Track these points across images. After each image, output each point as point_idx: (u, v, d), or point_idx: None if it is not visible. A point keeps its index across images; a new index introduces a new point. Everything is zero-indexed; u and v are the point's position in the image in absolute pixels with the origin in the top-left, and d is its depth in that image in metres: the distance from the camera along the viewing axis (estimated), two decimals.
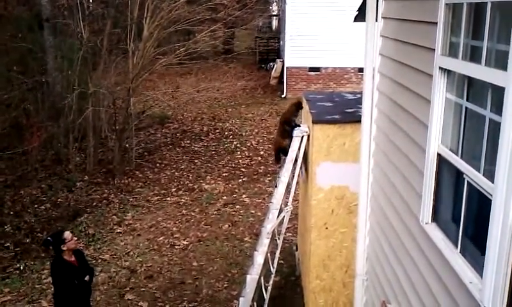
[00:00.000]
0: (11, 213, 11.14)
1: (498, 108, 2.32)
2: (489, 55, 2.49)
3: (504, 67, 2.19)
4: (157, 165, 14.30)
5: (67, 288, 5.87)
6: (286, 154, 6.88)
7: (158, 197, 12.23)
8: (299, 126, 7.07)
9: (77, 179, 12.85)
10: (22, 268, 9.21)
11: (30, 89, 14.61)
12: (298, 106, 7.26)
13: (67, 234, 5.98)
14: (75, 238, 6.17)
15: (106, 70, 14.90)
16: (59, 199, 11.89)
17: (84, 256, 6.47)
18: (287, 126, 7.17)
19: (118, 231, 10.57)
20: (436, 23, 3.05)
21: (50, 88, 15.36)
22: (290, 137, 6.95)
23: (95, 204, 11.81)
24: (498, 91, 2.28)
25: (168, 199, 12.10)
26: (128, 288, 8.52)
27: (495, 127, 2.35)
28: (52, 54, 15.33)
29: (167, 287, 8.50)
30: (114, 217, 11.20)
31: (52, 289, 6.77)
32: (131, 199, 12.11)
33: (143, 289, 8.48)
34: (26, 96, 14.57)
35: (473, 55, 2.71)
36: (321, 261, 6.71)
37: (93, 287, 7.49)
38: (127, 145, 14.71)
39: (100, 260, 9.39)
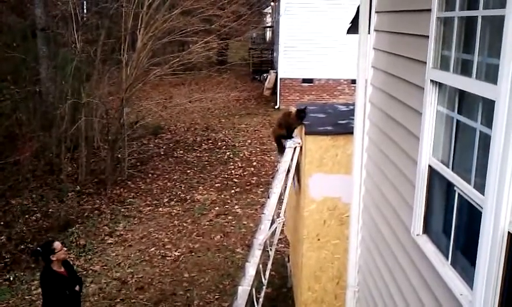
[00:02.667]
0: (2, 223, 11.06)
1: (488, 121, 2.34)
2: (480, 69, 2.52)
3: (494, 81, 2.21)
4: (150, 175, 14.26)
5: (57, 299, 5.82)
6: (286, 138, 6.91)
7: (150, 207, 12.18)
8: (292, 137, 7.05)
9: (68, 189, 12.78)
10: (11, 279, 9.14)
11: (22, 98, 14.58)
12: (302, 115, 6.91)
13: (57, 244, 5.94)
14: (65, 249, 6.12)
15: (99, 80, 14.88)
16: (50, 210, 11.81)
17: (73, 267, 6.43)
18: (287, 131, 7.00)
19: (110, 241, 10.51)
20: (428, 36, 3.08)
21: (42, 98, 15.32)
22: (288, 132, 6.95)
23: (86, 214, 11.74)
24: (489, 104, 2.30)
25: (160, 209, 12.06)
26: (118, 300, 8.46)
27: (486, 140, 2.36)
28: (45, 64, 15.30)
29: (158, 299, 8.45)
30: (106, 227, 11.14)
31: (42, 300, 6.71)
32: (123, 210, 12.06)
33: (133, 300, 8.42)
34: (18, 105, 14.53)
35: (464, 69, 2.74)
36: (313, 272, 6.70)
37: (84, 298, 7.45)
38: (120, 155, 14.67)
39: (90, 271, 9.33)
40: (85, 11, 17.15)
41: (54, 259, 5.80)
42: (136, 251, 10.08)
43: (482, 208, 2.32)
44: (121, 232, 10.92)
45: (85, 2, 18.37)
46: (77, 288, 6.01)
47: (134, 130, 15.73)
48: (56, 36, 15.84)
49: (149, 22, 14.22)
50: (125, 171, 14.07)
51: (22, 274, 9.27)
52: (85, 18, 15.52)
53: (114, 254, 9.98)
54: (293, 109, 7.34)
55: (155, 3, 14.22)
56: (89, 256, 9.90)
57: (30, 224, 11.11)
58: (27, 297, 8.61)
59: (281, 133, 7.08)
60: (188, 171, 14.58)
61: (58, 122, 14.14)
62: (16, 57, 14.35)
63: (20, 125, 14.42)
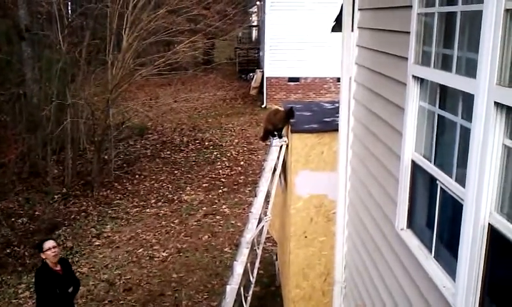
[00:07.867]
0: None
1: (468, 115, 2.36)
2: (460, 64, 2.55)
3: (473, 75, 2.23)
4: (136, 176, 14.20)
5: (48, 296, 5.76)
6: (273, 135, 6.95)
7: (137, 209, 12.14)
8: (281, 136, 7.03)
9: (54, 191, 12.70)
10: None
11: (7, 100, 14.45)
12: (290, 114, 6.96)
13: (47, 243, 5.86)
14: (57, 249, 6.00)
15: (85, 81, 14.80)
16: (36, 212, 11.72)
17: (71, 267, 6.37)
18: (272, 130, 7.03)
19: (97, 243, 10.46)
20: (409, 32, 3.11)
21: (27, 100, 15.19)
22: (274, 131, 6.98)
23: (73, 216, 11.67)
24: (468, 99, 2.33)
25: (147, 210, 12.02)
26: (107, 301, 8.42)
27: (466, 133, 2.39)
28: (30, 66, 15.18)
29: (146, 299, 8.42)
30: (93, 229, 11.08)
31: (32, 301, 6.65)
32: (110, 211, 12.00)
33: (121, 302, 8.40)
34: (3, 107, 14.41)
35: (445, 64, 2.76)
36: (301, 270, 6.72)
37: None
38: (106, 157, 14.60)
39: (78, 273, 9.23)
40: (69, 11, 17.02)
41: (43, 257, 5.78)
42: (123, 252, 10.04)
43: (463, 200, 2.35)
44: (109, 234, 10.87)
45: (69, 3, 18.24)
46: (70, 289, 5.94)
47: (121, 131, 15.66)
48: (41, 38, 15.72)
49: (134, 22, 14.18)
50: (111, 172, 14.00)
51: (8, 277, 9.19)
52: (70, 19, 15.39)
53: (101, 255, 9.93)
54: (275, 107, 7.37)
55: (140, 3, 14.18)
56: (77, 258, 9.84)
57: (16, 227, 11.01)
58: (14, 301, 8.53)
59: (269, 128, 7.12)
60: (175, 172, 14.54)
61: (43, 124, 14.04)
62: (1, 59, 14.22)
63: (5, 127, 14.30)
